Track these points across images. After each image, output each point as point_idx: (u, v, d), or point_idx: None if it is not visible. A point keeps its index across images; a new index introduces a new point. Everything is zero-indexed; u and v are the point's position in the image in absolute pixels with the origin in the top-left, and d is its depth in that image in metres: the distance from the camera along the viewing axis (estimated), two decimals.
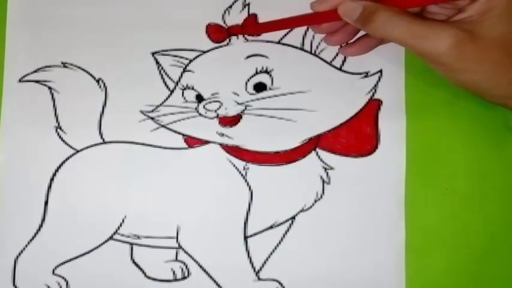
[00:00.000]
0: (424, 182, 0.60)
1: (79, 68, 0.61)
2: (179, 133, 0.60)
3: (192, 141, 0.60)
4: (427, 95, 0.54)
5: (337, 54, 0.60)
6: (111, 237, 0.59)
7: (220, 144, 0.60)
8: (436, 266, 0.60)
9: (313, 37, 0.60)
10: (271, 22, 0.58)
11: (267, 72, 0.60)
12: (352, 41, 0.58)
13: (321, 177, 0.60)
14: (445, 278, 0.60)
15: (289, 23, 0.58)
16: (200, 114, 0.60)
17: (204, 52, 0.61)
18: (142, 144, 0.60)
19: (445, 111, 0.56)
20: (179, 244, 0.59)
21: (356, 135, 0.60)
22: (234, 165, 0.60)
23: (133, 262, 0.60)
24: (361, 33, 0.57)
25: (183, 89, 0.60)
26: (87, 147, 0.60)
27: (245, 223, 0.59)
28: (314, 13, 0.55)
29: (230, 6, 0.61)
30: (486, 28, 0.51)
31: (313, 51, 0.60)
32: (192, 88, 0.60)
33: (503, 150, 0.59)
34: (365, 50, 0.58)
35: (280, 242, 0.60)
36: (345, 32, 0.57)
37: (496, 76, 0.53)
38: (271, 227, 0.60)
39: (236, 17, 0.61)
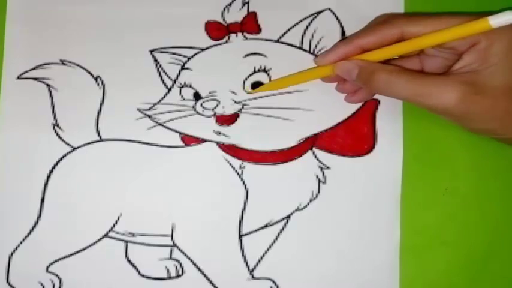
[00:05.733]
0: (423, 182, 0.60)
1: (77, 65, 0.61)
2: (176, 131, 0.60)
3: (188, 140, 0.60)
4: None
5: None
6: (106, 235, 0.59)
7: (217, 143, 0.60)
8: (434, 267, 0.59)
9: (312, 36, 0.60)
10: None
11: (265, 71, 0.60)
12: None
13: (317, 176, 0.59)
14: (444, 278, 0.59)
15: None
16: (197, 113, 0.59)
17: (203, 50, 0.61)
18: (139, 142, 0.60)
19: None
20: (174, 242, 0.59)
21: (353, 135, 0.60)
22: (230, 164, 0.60)
23: (128, 260, 0.59)
24: None
25: (181, 87, 0.60)
26: (84, 145, 0.60)
27: (240, 222, 0.59)
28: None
29: (230, 4, 0.61)
30: (488, 77, 0.51)
31: (311, 51, 0.60)
32: (190, 86, 0.60)
33: (503, 150, 0.59)
34: (368, 97, 0.59)
35: (274, 241, 0.59)
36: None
37: (508, 123, 0.53)
38: (266, 226, 0.59)
39: (235, 15, 0.61)
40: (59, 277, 0.59)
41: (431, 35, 0.52)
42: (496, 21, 0.49)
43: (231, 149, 0.60)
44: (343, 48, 0.56)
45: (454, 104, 0.51)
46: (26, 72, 0.61)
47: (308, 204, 0.59)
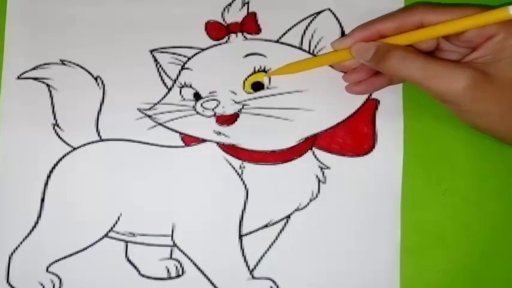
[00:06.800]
0: (423, 182, 0.60)
1: (77, 65, 0.61)
2: (176, 131, 0.60)
3: (188, 140, 0.60)
4: (425, 94, 0.54)
5: None
6: (106, 235, 0.59)
7: (217, 143, 0.60)
8: (434, 267, 0.59)
9: (312, 36, 0.60)
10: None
11: (264, 71, 0.60)
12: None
13: (317, 176, 0.59)
14: (444, 278, 0.59)
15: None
16: (197, 113, 0.59)
17: (203, 50, 0.61)
18: (139, 142, 0.60)
19: (444, 111, 0.55)
20: (174, 242, 0.59)
21: (353, 135, 0.60)
22: (230, 164, 0.60)
23: (128, 260, 0.59)
24: None
25: (181, 87, 0.60)
26: (84, 145, 0.60)
27: (240, 222, 0.59)
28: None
29: (230, 4, 0.61)
30: (501, 69, 0.52)
31: (311, 51, 0.60)
32: (190, 86, 0.60)
33: (502, 150, 0.59)
34: (373, 89, 0.59)
35: (274, 241, 0.59)
36: (364, 71, 0.58)
37: (509, 119, 0.53)
38: (266, 226, 0.59)
39: (235, 15, 0.61)
40: (59, 277, 0.59)
41: (451, 22, 0.52)
42: None
43: (231, 149, 0.60)
44: (361, 33, 0.56)
45: (462, 90, 0.51)
46: (26, 72, 0.61)
47: (308, 204, 0.59)
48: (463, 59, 0.54)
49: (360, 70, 0.58)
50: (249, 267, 0.59)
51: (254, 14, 0.61)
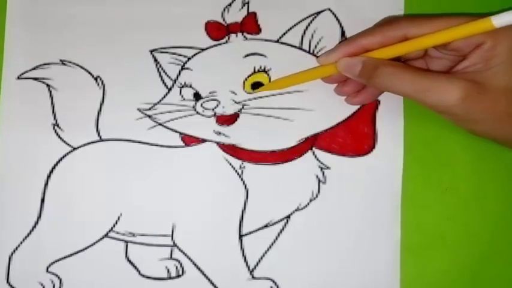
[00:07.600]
0: (423, 182, 0.60)
1: (77, 65, 0.61)
2: (176, 131, 0.60)
3: (188, 140, 0.60)
4: None
5: None
6: (106, 235, 0.59)
7: (217, 143, 0.60)
8: (434, 267, 0.59)
9: (312, 36, 0.60)
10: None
11: (264, 71, 0.60)
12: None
13: (317, 176, 0.59)
14: (444, 278, 0.59)
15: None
16: (197, 113, 0.59)
17: (203, 50, 0.61)
18: (139, 142, 0.60)
19: None
20: (174, 242, 0.59)
21: (353, 135, 0.60)
22: (230, 164, 0.60)
23: (128, 260, 0.59)
24: None
25: (181, 87, 0.60)
26: (84, 145, 0.60)
27: (240, 222, 0.59)
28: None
29: (230, 4, 0.61)
30: (492, 77, 0.52)
31: (311, 51, 0.60)
32: (190, 86, 0.60)
33: (502, 150, 0.59)
34: (371, 98, 0.59)
35: (274, 241, 0.59)
36: (354, 82, 0.57)
37: (506, 125, 0.53)
38: (266, 226, 0.59)
39: (235, 15, 0.61)
40: (59, 277, 0.59)
41: (434, 34, 0.52)
42: (499, 21, 0.49)
43: (231, 149, 0.60)
44: (346, 48, 0.56)
45: (456, 102, 0.51)
46: (26, 72, 0.61)
47: (308, 204, 0.59)
48: (454, 67, 0.54)
49: (349, 83, 0.58)
50: (249, 267, 0.59)
51: (254, 14, 0.61)
